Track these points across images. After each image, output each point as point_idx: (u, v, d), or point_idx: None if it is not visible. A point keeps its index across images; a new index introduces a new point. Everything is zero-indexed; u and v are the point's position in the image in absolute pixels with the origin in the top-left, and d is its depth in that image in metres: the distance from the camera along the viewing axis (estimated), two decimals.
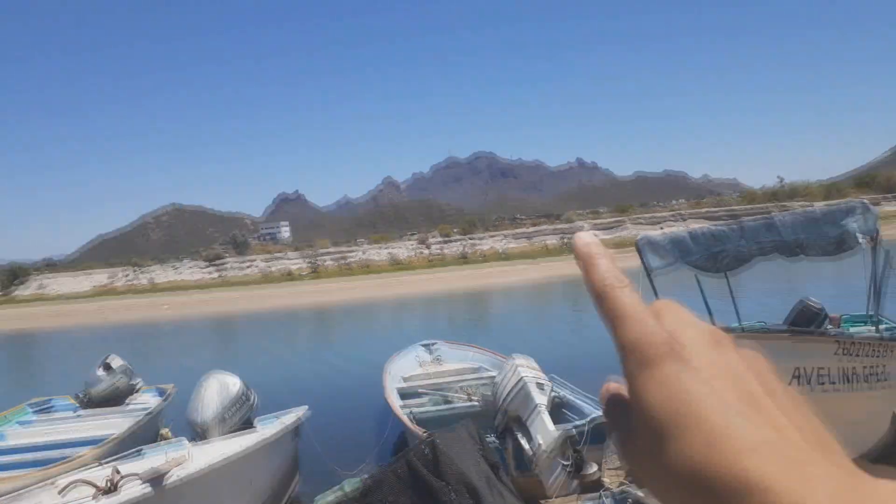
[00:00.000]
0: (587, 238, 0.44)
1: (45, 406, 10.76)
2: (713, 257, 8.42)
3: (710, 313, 9.01)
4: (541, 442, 6.46)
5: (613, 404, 0.41)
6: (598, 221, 66.25)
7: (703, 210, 64.75)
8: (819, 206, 10.71)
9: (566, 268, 46.38)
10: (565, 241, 58.79)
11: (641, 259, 7.93)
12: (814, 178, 78.27)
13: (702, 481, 0.33)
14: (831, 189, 66.65)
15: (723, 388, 0.36)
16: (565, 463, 6.50)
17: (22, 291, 60.28)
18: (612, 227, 63.15)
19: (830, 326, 9.17)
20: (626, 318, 0.39)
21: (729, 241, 8.13)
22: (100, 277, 62.73)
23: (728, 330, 5.33)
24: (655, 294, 8.00)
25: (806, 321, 8.56)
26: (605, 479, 7.18)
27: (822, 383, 5.32)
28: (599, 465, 6.93)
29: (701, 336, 0.39)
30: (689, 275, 9.04)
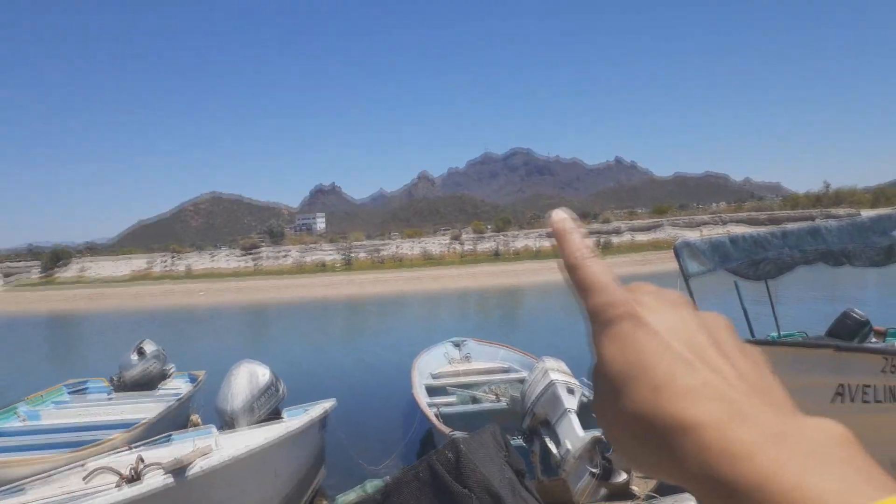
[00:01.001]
0: (561, 214, 0.46)
1: (81, 388, 10.98)
2: (754, 264, 8.16)
3: (748, 321, 8.76)
4: (569, 446, 6.33)
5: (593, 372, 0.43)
6: (636, 222, 65.30)
7: (744, 214, 63.24)
8: (866, 213, 10.37)
9: None
10: (601, 241, 58.10)
11: (679, 263, 7.72)
12: (861, 185, 76.01)
13: (649, 426, 0.36)
14: (879, 196, 64.66)
15: (670, 340, 0.38)
16: (593, 469, 6.36)
17: (64, 273, 61.86)
18: (649, 229, 62.23)
19: (875, 339, 8.85)
20: (593, 286, 0.42)
21: (771, 247, 7.87)
22: (139, 263, 64.02)
23: (765, 342, 5.13)
24: (692, 300, 7.78)
25: (849, 333, 8.26)
26: (634, 488, 7.03)
27: (867, 401, 5.09)
28: (628, 472, 6.77)
29: (659, 299, 0.42)
30: (728, 280, 8.79)
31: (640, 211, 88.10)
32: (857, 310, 8.68)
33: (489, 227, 71.83)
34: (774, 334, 9.36)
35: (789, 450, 0.31)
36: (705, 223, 60.65)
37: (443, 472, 3.49)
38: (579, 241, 0.44)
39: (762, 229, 8.53)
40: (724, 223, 59.17)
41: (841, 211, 51.83)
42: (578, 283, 0.43)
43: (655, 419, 0.36)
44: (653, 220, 66.02)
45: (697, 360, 0.37)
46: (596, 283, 0.42)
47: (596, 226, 64.78)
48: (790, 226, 8.43)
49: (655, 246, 53.51)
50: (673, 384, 0.36)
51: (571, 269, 0.43)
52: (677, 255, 7.81)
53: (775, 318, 9.90)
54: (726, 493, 0.32)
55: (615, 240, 58.83)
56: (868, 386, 5.08)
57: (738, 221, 58.13)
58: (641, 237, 59.72)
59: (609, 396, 0.39)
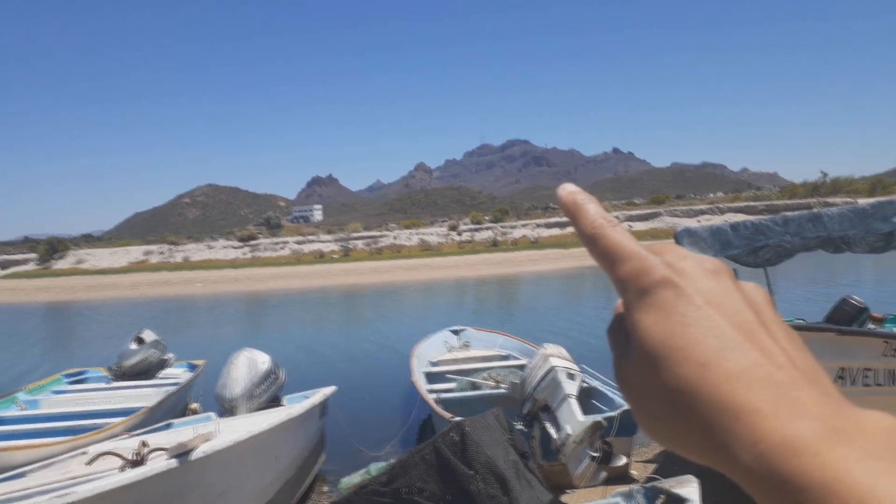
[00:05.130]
0: (571, 188, 0.44)
1: (80, 377, 10.97)
2: (754, 251, 8.17)
3: None
4: (569, 431, 6.35)
5: (617, 324, 0.41)
6: (634, 212, 65.33)
7: (742, 203, 63.32)
8: (864, 201, 10.37)
9: None
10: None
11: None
12: (858, 174, 76.07)
13: (693, 404, 0.34)
14: (876, 185, 64.78)
15: (716, 314, 0.36)
16: (593, 453, 6.39)
17: (60, 264, 61.74)
18: (647, 218, 62.27)
19: (873, 326, 8.88)
20: (622, 254, 0.39)
21: (772, 234, 7.88)
22: (136, 253, 63.94)
23: None
24: None
25: (847, 319, 8.29)
26: (633, 472, 7.08)
27: (868, 384, 5.12)
28: (628, 456, 6.81)
29: (698, 266, 0.39)
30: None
31: (638, 201, 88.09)
32: (855, 296, 8.71)
33: (487, 217, 71.80)
34: None
35: (855, 448, 0.29)
36: (703, 213, 60.73)
37: (448, 454, 3.49)
38: (595, 210, 0.42)
39: (762, 217, 8.53)
40: (722, 213, 59.26)
41: (838, 200, 51.91)
42: (603, 253, 0.40)
43: (703, 397, 0.33)
44: (651, 209, 66.03)
45: (746, 338, 0.35)
46: (623, 251, 0.39)
47: None
48: (790, 213, 8.44)
49: (653, 235, 53.57)
50: (722, 363, 0.34)
51: (592, 240, 0.41)
52: (678, 242, 7.82)
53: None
54: (788, 489, 0.29)
55: None
56: (869, 369, 5.11)
57: (736, 211, 58.22)
58: (640, 226, 59.79)
59: (646, 367, 0.36)
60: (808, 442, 0.30)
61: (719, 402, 0.33)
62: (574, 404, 6.54)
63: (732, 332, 0.35)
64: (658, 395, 0.35)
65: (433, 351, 11.62)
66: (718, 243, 7.84)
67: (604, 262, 0.40)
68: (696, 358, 0.34)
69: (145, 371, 10.94)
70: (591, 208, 0.42)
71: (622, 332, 0.39)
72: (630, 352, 0.38)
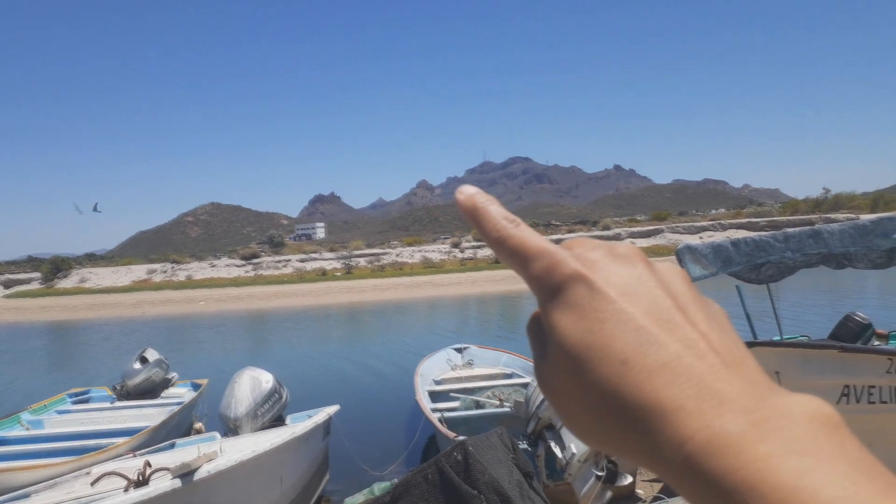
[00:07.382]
0: (469, 190, 0.42)
1: (83, 396, 10.96)
2: (756, 268, 8.18)
3: (750, 324, 8.78)
4: (574, 450, 6.32)
5: (535, 324, 0.39)
6: (636, 229, 65.35)
7: (744, 220, 63.28)
8: (865, 217, 10.39)
9: None
10: None
11: (681, 267, 7.71)
12: (860, 189, 76.13)
13: (617, 405, 0.32)
14: (878, 200, 64.75)
15: (632, 306, 0.35)
16: (598, 473, 6.36)
17: (64, 283, 61.82)
18: (649, 235, 62.27)
19: (877, 342, 8.86)
20: (531, 252, 0.38)
21: (773, 250, 7.89)
22: (139, 272, 64.00)
23: (771, 343, 5.14)
24: None
25: (852, 336, 8.27)
26: (639, 490, 7.03)
27: (873, 402, 5.11)
28: (633, 475, 6.77)
29: (609, 255, 0.38)
30: (729, 285, 8.80)
31: (639, 217, 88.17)
32: (859, 313, 8.69)
33: None
34: (777, 337, 9.37)
35: (779, 442, 0.28)
36: (705, 229, 60.70)
37: (451, 474, 3.49)
38: (497, 211, 0.40)
39: (764, 233, 8.55)
40: (724, 229, 59.23)
41: (840, 216, 51.88)
42: (512, 255, 0.39)
43: (626, 397, 0.32)
44: (653, 226, 66.05)
45: (664, 329, 0.34)
46: (531, 249, 0.38)
47: (596, 232, 64.81)
48: (791, 229, 8.45)
49: (656, 252, 53.51)
50: (642, 359, 0.32)
51: (499, 243, 0.39)
52: (679, 259, 7.83)
53: (777, 322, 9.91)
54: (715, 491, 0.28)
55: None
56: (873, 386, 5.09)
57: (738, 227, 58.15)
58: (642, 243, 59.75)
59: (565, 369, 0.35)
60: (732, 440, 0.29)
61: (643, 402, 0.32)
62: None
63: (650, 324, 0.34)
64: (580, 396, 0.34)
65: (436, 369, 11.59)
66: (720, 260, 7.86)
67: (514, 264, 0.39)
68: (615, 356, 0.33)
69: (149, 390, 10.93)
70: (493, 210, 0.40)
71: (540, 333, 0.38)
72: (549, 353, 0.36)
